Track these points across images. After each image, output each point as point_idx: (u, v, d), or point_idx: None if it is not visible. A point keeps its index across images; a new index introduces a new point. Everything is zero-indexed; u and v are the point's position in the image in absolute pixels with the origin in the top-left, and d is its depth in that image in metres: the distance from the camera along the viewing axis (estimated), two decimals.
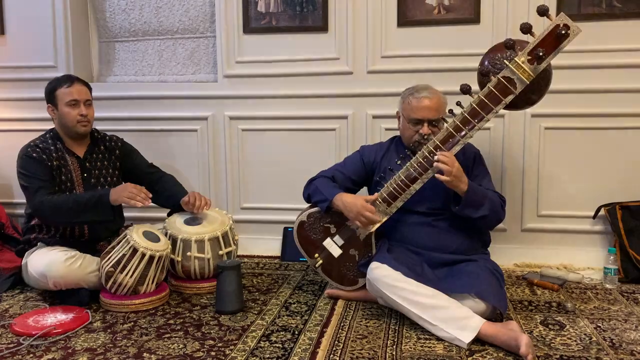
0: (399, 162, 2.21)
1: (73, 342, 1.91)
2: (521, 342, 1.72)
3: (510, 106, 2.06)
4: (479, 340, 1.85)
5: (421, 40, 2.77)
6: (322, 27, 2.87)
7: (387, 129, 2.82)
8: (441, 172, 2.01)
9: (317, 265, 2.35)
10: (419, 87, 2.27)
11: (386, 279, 2.01)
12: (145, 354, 1.81)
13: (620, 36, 2.61)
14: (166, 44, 3.20)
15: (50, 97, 2.39)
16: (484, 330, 1.83)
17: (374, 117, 2.84)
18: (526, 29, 1.92)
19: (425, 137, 2.17)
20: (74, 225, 2.34)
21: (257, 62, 2.96)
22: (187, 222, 2.48)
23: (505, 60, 1.99)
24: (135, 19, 3.19)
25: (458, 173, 2.02)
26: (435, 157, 2.03)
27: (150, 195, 2.30)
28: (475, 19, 2.71)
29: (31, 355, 1.82)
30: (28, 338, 1.93)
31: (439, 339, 1.89)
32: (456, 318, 1.87)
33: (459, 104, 2.07)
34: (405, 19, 2.78)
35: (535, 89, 2.07)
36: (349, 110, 2.89)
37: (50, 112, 2.41)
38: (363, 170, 2.39)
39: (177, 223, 2.47)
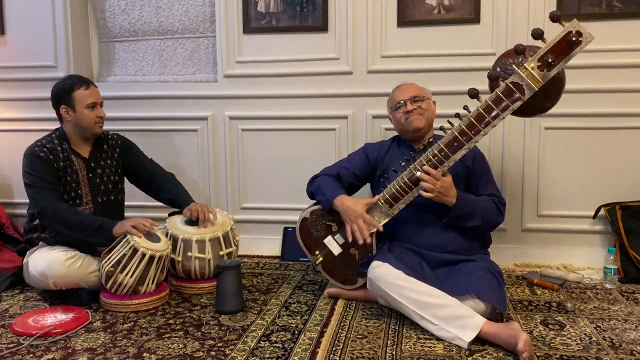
0: (403, 163, 2.21)
1: (73, 342, 1.91)
2: (519, 339, 1.72)
3: (520, 113, 2.03)
4: (478, 339, 1.85)
5: (421, 40, 2.78)
6: (322, 27, 2.87)
7: (387, 129, 2.82)
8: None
9: (317, 263, 2.35)
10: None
11: (387, 277, 2.01)
12: (145, 354, 1.81)
13: (620, 36, 2.61)
14: (166, 44, 3.20)
15: (66, 98, 2.35)
16: (485, 329, 1.83)
17: (374, 117, 2.84)
18: (537, 34, 1.88)
19: (411, 112, 2.24)
20: (69, 237, 2.32)
21: (257, 62, 2.96)
22: (188, 223, 2.48)
23: (514, 66, 1.96)
24: (135, 19, 3.19)
25: (443, 189, 2.04)
26: (418, 174, 2.06)
27: (157, 226, 2.31)
28: (475, 19, 2.71)
29: (31, 355, 1.82)
30: (28, 338, 1.93)
31: (439, 339, 1.89)
32: (457, 317, 1.87)
33: (466, 108, 2.05)
34: (405, 19, 2.78)
35: (546, 96, 2.02)
36: (349, 110, 2.89)
37: (64, 112, 2.37)
38: (367, 165, 2.41)
39: (178, 223, 2.47)
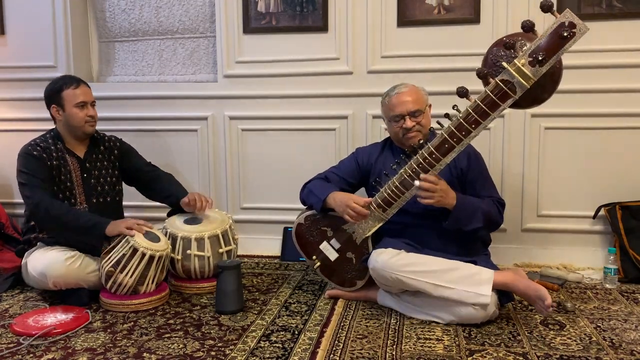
0: (394, 166, 2.14)
1: (73, 342, 1.91)
2: (545, 295, 1.89)
3: (515, 106, 1.92)
4: (478, 339, 1.86)
5: (421, 40, 2.78)
6: (322, 27, 2.87)
7: (386, 129, 2.81)
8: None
9: (315, 267, 2.35)
10: (395, 86, 2.28)
11: (391, 260, 2.02)
12: (145, 354, 1.81)
13: (620, 36, 2.61)
14: (166, 44, 3.20)
15: (56, 97, 2.37)
16: (496, 280, 1.95)
17: (374, 117, 2.84)
18: (528, 27, 1.74)
19: (410, 129, 2.16)
20: (60, 236, 2.31)
21: (257, 62, 2.96)
22: (187, 222, 2.48)
23: (503, 63, 1.83)
24: (135, 19, 3.19)
25: (443, 193, 2.00)
26: (417, 183, 1.99)
27: (151, 226, 2.30)
28: (475, 19, 2.71)
29: (31, 355, 1.82)
30: (28, 338, 1.93)
31: (438, 338, 1.89)
32: (469, 275, 1.96)
33: (455, 107, 1.96)
34: (405, 19, 2.78)
35: (542, 88, 1.87)
36: (349, 110, 2.89)
37: (54, 112, 2.38)
38: (358, 171, 2.39)
39: (177, 222, 2.47)
